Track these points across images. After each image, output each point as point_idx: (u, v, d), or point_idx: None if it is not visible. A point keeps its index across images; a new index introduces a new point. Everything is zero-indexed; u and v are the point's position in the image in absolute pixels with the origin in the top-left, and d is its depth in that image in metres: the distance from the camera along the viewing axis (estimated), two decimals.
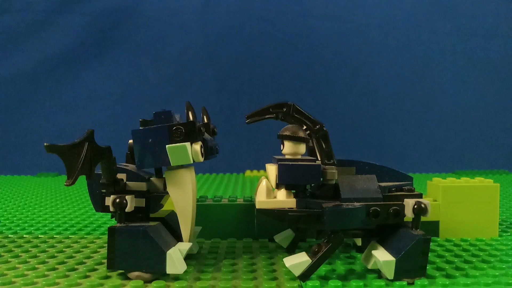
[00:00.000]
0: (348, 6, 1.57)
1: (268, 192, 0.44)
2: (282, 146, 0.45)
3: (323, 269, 0.45)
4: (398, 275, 0.40)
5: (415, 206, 0.41)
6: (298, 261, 0.42)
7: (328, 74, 1.56)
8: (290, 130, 0.44)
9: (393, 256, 0.40)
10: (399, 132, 1.52)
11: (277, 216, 0.43)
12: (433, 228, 0.57)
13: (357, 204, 0.41)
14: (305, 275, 0.41)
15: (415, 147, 1.52)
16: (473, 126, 1.55)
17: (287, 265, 0.42)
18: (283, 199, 0.44)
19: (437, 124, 1.55)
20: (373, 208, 0.42)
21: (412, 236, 0.41)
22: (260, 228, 0.58)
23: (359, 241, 0.51)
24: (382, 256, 0.41)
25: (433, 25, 1.57)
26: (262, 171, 1.32)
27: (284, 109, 0.45)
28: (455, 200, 0.57)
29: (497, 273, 0.43)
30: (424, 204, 0.41)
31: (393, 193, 0.44)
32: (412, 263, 0.40)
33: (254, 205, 0.58)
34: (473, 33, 1.57)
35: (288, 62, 1.56)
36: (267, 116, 0.46)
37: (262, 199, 0.44)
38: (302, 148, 0.44)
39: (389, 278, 0.40)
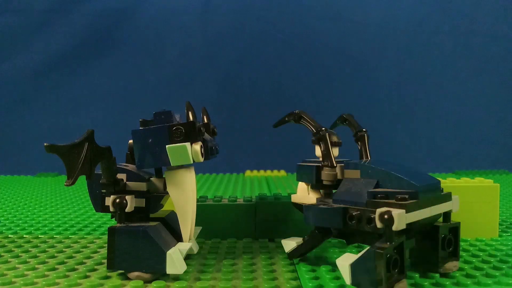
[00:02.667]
0: (348, 6, 1.57)
1: (304, 189, 0.49)
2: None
3: (323, 269, 0.45)
4: (354, 282, 0.37)
5: (385, 216, 0.36)
6: (291, 241, 0.48)
7: (328, 74, 1.56)
8: None
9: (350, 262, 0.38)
10: (399, 132, 1.53)
11: (300, 209, 0.48)
12: None
13: (334, 205, 0.42)
14: (291, 255, 0.48)
15: (415, 147, 1.52)
16: (473, 126, 1.55)
17: (282, 241, 0.49)
18: (310, 196, 0.49)
19: (437, 124, 1.55)
20: (350, 212, 0.40)
21: (372, 246, 0.37)
22: (260, 228, 0.58)
23: None
24: (342, 260, 0.39)
25: (433, 25, 1.57)
26: (262, 171, 1.32)
27: (292, 117, 0.51)
28: None
29: (497, 273, 0.43)
30: (392, 216, 0.36)
31: (376, 200, 0.40)
32: (363, 274, 0.37)
33: (254, 205, 0.58)
34: (473, 33, 1.57)
35: (288, 62, 1.56)
36: (287, 119, 0.52)
37: (296, 194, 0.50)
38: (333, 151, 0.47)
39: (347, 282, 0.38)
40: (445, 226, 0.43)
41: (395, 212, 0.36)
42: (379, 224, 0.36)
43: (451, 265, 0.43)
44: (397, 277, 0.37)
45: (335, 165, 0.46)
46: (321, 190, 0.48)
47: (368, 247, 0.37)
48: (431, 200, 0.40)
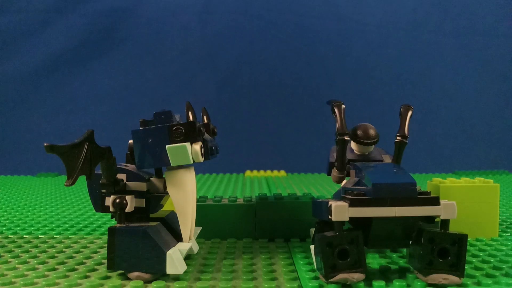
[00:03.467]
0: (349, 6, 1.57)
1: None
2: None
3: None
4: (316, 266, 0.42)
5: (330, 208, 0.40)
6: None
7: (328, 74, 1.56)
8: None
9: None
10: None
11: None
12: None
13: (324, 200, 0.44)
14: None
15: (415, 147, 1.52)
16: (473, 126, 1.55)
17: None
18: None
19: (437, 124, 1.55)
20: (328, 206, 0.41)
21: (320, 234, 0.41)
22: (260, 228, 0.58)
23: None
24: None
25: (433, 25, 1.57)
26: (262, 172, 1.32)
27: (329, 104, 0.51)
28: (455, 200, 0.57)
29: (497, 273, 0.43)
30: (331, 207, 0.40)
31: (344, 195, 0.42)
32: (317, 258, 0.41)
33: (254, 205, 0.58)
34: (473, 33, 1.57)
35: (288, 62, 1.56)
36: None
37: None
38: (363, 149, 0.49)
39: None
40: (438, 233, 0.40)
41: (334, 204, 0.39)
42: (331, 216, 0.39)
43: (439, 277, 0.39)
44: (350, 268, 0.39)
45: (344, 168, 0.48)
46: None
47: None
48: (394, 201, 0.39)
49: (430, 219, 0.40)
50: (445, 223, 0.40)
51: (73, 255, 0.51)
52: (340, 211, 0.38)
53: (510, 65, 1.56)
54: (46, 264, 0.48)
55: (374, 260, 0.49)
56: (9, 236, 0.61)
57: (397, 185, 0.39)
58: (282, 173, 1.32)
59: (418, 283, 0.40)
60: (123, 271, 0.43)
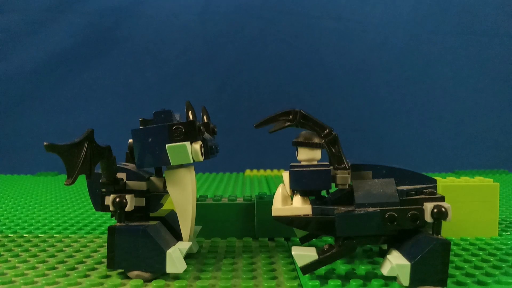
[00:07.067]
0: (348, 6, 1.57)
1: (284, 199, 0.44)
2: (296, 152, 0.44)
3: (322, 269, 0.45)
4: (414, 282, 0.38)
5: (435, 210, 0.39)
6: (305, 253, 0.41)
7: (328, 74, 1.56)
8: (303, 136, 0.44)
9: (409, 260, 0.38)
10: (399, 132, 1.52)
11: (292, 223, 0.43)
12: None
13: (371, 209, 0.40)
14: (307, 269, 0.41)
15: (415, 147, 1.52)
16: (473, 126, 1.55)
17: (293, 253, 0.42)
18: (298, 206, 0.43)
19: (437, 124, 1.55)
20: (389, 213, 0.40)
21: (430, 240, 0.38)
22: (260, 227, 0.58)
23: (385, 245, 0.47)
24: (396, 260, 0.39)
25: (433, 25, 1.57)
26: (262, 171, 1.33)
27: (291, 116, 0.44)
28: (455, 200, 0.57)
29: (496, 272, 0.43)
30: (445, 208, 0.39)
31: (412, 197, 0.41)
32: (429, 269, 0.38)
33: (253, 204, 0.58)
34: (473, 33, 1.57)
35: (288, 62, 1.56)
36: (287, 124, 0.45)
37: (277, 206, 0.43)
38: (317, 154, 0.43)
39: (404, 284, 0.38)
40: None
41: (447, 205, 0.39)
42: (429, 219, 0.39)
43: None
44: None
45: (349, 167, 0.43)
46: (312, 198, 0.44)
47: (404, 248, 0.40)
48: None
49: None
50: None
51: (73, 254, 0.51)
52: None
53: (510, 65, 1.56)
54: (46, 263, 0.48)
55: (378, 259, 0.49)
56: (9, 235, 0.61)
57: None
58: (282, 172, 1.31)
59: None
60: (123, 270, 0.43)
